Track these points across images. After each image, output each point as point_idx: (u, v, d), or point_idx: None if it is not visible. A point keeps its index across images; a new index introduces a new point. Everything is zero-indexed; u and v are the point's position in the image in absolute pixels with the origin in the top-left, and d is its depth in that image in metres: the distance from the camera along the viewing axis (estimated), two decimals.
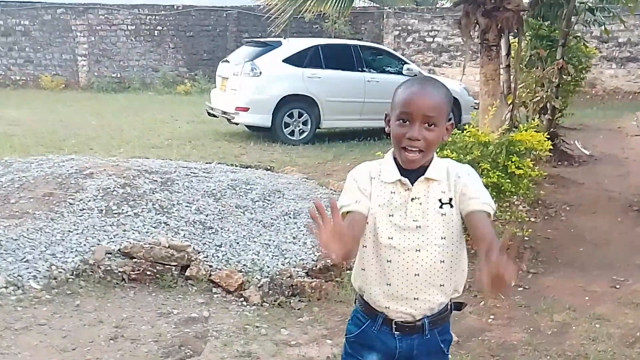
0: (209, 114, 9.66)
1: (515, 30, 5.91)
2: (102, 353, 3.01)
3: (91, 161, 5.17)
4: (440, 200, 1.63)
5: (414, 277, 1.63)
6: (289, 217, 4.83)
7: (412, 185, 1.63)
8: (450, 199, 1.63)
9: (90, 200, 4.33)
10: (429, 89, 1.63)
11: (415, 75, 9.74)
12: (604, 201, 6.20)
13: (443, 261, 1.63)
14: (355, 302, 1.79)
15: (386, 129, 1.69)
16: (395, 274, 1.63)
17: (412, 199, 1.63)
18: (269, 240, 4.39)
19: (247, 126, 9.51)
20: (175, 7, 16.81)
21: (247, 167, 6.58)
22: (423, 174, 1.64)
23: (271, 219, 4.74)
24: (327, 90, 9.10)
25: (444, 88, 1.67)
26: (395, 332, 1.67)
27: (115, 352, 3.02)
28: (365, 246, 1.67)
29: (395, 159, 1.68)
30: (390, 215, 1.63)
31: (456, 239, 1.64)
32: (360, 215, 1.64)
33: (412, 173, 1.64)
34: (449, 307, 1.72)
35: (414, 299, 1.64)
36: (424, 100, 1.60)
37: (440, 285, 1.65)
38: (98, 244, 3.89)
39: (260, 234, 4.46)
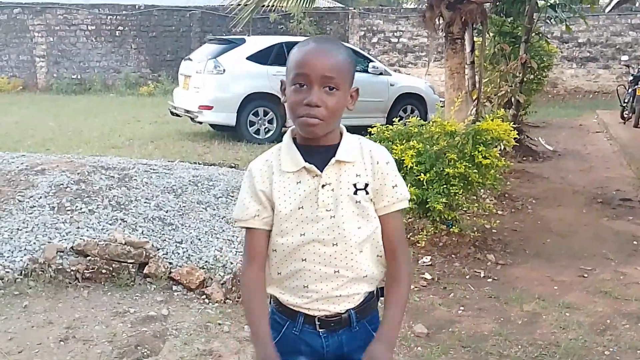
0: (172, 113, 9.43)
1: (480, 24, 5.91)
2: (50, 355, 2.81)
3: (43, 158, 4.92)
4: (355, 185, 1.42)
5: (333, 274, 1.43)
6: None
7: (321, 170, 1.41)
8: (366, 185, 1.43)
9: (41, 197, 4.10)
10: (327, 47, 1.40)
11: (381, 73, 9.71)
12: (568, 194, 6.25)
13: (362, 251, 1.44)
14: (270, 303, 1.54)
15: (282, 99, 1.45)
16: (312, 274, 1.43)
17: (323, 186, 1.41)
18: (232, 236, 4.23)
19: (211, 125, 9.32)
20: (137, 7, 16.46)
21: (211, 165, 6.40)
22: (332, 156, 1.41)
23: None
24: None
25: (344, 47, 1.45)
26: (320, 330, 1.46)
27: (66, 354, 2.82)
28: (275, 250, 1.46)
29: (294, 140, 1.45)
30: (299, 208, 1.42)
31: (374, 225, 1.45)
32: (262, 232, 1.46)
33: (317, 155, 1.41)
34: (375, 294, 1.52)
35: (337, 297, 1.45)
36: (322, 59, 1.36)
37: (364, 277, 1.46)
38: (49, 242, 3.67)
39: (223, 230, 4.30)
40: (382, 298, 1.52)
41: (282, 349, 1.46)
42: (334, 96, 1.37)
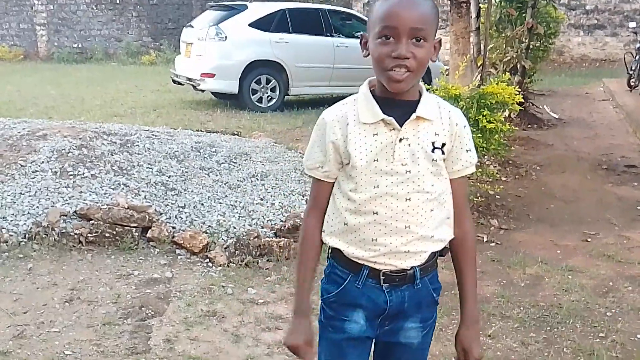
0: (174, 81, 9.35)
1: None
2: (56, 316, 2.83)
3: (45, 124, 4.90)
4: (433, 143, 1.40)
5: (404, 229, 1.40)
6: (256, 179, 4.67)
7: (400, 125, 1.38)
8: (443, 144, 1.41)
9: (43, 162, 4.10)
10: None
11: None
12: (573, 161, 6.21)
13: (433, 210, 1.42)
14: (328, 259, 1.52)
15: (363, 53, 1.41)
16: (382, 228, 1.40)
17: (400, 140, 1.38)
18: (235, 201, 4.23)
19: (213, 93, 9.25)
20: None
21: (213, 132, 6.37)
22: (412, 112, 1.38)
23: (237, 180, 4.57)
24: (295, 56, 8.87)
25: None
26: (384, 285, 1.44)
27: (71, 315, 2.85)
28: (348, 200, 1.43)
29: (372, 92, 1.42)
30: (375, 161, 1.39)
31: (445, 185, 1.44)
32: (324, 183, 1.46)
33: (396, 109, 1.38)
34: (435, 254, 1.51)
35: (405, 252, 1.43)
36: (411, 10, 1.33)
37: (431, 237, 1.44)
38: (52, 206, 3.68)
39: (226, 196, 4.30)
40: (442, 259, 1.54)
41: (341, 302, 1.47)
42: (422, 48, 1.34)
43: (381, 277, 1.44)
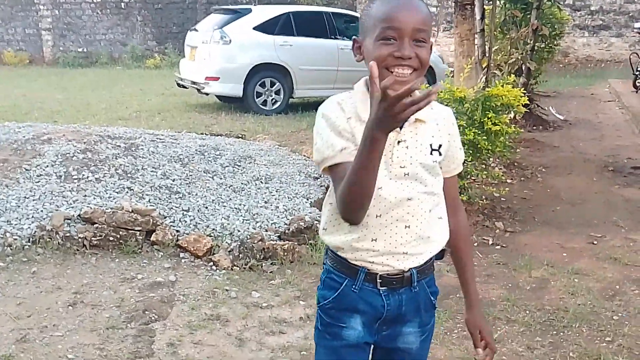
0: (179, 85, 9.37)
1: None
2: (59, 319, 2.83)
3: (49, 127, 4.91)
4: (430, 145, 1.40)
5: (404, 229, 1.40)
6: (261, 182, 4.66)
7: (400, 127, 1.36)
8: (440, 146, 1.41)
9: (48, 166, 4.10)
10: (413, 0, 1.36)
11: None
12: (579, 163, 6.18)
13: (431, 210, 1.43)
14: (325, 263, 1.50)
15: (356, 58, 1.39)
16: (383, 228, 1.40)
17: (399, 142, 1.37)
18: (240, 204, 4.22)
19: (218, 96, 9.26)
20: None
21: (217, 135, 6.37)
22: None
23: (242, 183, 4.56)
24: (299, 59, 8.87)
25: (423, 1, 1.41)
26: (381, 288, 1.43)
27: (74, 318, 2.84)
28: None
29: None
30: None
31: (440, 185, 1.45)
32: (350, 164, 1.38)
33: None
34: (432, 257, 1.49)
35: (403, 253, 1.42)
36: (413, 12, 1.33)
37: (428, 237, 1.44)
38: (56, 210, 3.68)
39: (230, 199, 4.29)
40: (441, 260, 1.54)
41: (338, 307, 1.45)
42: (424, 48, 1.34)
43: (378, 280, 1.42)
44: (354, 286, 1.43)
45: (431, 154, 1.40)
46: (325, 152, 1.37)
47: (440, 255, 1.51)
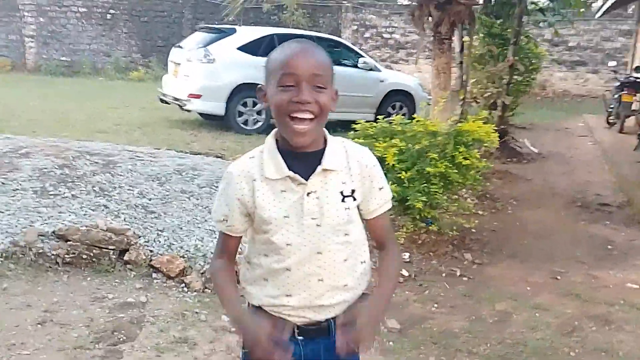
0: (161, 100, 9.42)
1: (467, 25, 5.96)
2: (27, 337, 2.84)
3: (28, 141, 4.92)
4: (341, 192, 1.40)
5: (317, 282, 1.42)
6: None
7: (306, 178, 1.38)
8: (353, 191, 1.42)
9: (24, 181, 4.12)
10: (310, 47, 1.40)
11: (372, 69, 9.75)
12: (549, 197, 6.35)
13: (346, 259, 1.44)
14: (247, 307, 1.52)
15: (262, 105, 1.42)
16: (296, 283, 1.41)
17: (308, 194, 1.38)
18: (214, 226, 4.27)
19: (199, 114, 9.32)
20: None
21: (196, 154, 6.42)
22: (318, 163, 1.38)
23: None
24: None
25: (323, 49, 1.45)
26: (299, 337, 1.44)
27: (43, 337, 2.86)
28: (262, 255, 1.44)
29: (277, 145, 1.41)
30: (285, 217, 1.39)
31: (359, 232, 1.46)
32: (229, 236, 1.49)
33: (302, 162, 1.38)
34: (350, 305, 1.51)
35: (319, 306, 1.44)
36: (309, 58, 1.35)
37: (344, 286, 1.45)
38: (30, 226, 3.69)
39: (206, 220, 4.33)
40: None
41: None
42: (323, 93, 1.36)
43: (295, 330, 1.44)
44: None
45: (343, 201, 1.40)
46: (212, 214, 1.51)
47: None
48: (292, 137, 1.37)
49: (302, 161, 1.39)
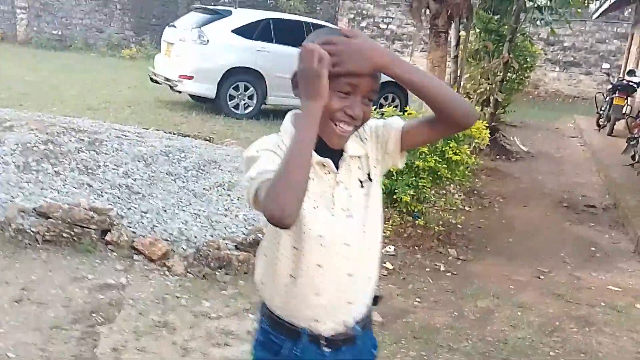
0: (152, 80, 9.30)
1: (465, 19, 5.92)
2: (3, 315, 2.79)
3: (12, 114, 4.83)
4: (359, 179, 1.35)
5: (347, 277, 1.34)
6: (223, 188, 4.67)
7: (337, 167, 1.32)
8: (368, 174, 1.37)
9: (6, 155, 4.04)
10: None
11: None
12: (536, 196, 6.36)
13: (370, 249, 1.37)
14: (261, 320, 1.41)
15: (295, 92, 1.28)
16: (326, 280, 1.32)
17: (338, 184, 1.32)
18: (199, 210, 4.23)
19: (190, 95, 9.21)
20: None
21: (185, 136, 6.35)
22: (341, 151, 1.32)
23: (203, 189, 4.57)
24: (275, 66, 8.87)
25: None
26: (325, 350, 1.36)
27: (18, 315, 2.81)
28: (288, 254, 1.32)
29: None
30: (314, 208, 1.28)
31: (376, 219, 1.38)
32: None
33: (327, 151, 1.30)
34: (369, 306, 1.46)
35: (348, 303, 1.36)
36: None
37: (369, 278, 1.39)
38: (11, 201, 3.62)
39: (190, 204, 4.29)
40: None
41: None
42: (368, 107, 1.31)
43: (322, 343, 1.37)
44: (295, 349, 1.36)
45: (362, 187, 1.36)
46: (267, 166, 1.22)
47: (375, 302, 1.47)
48: (331, 138, 1.30)
49: (327, 150, 1.30)
